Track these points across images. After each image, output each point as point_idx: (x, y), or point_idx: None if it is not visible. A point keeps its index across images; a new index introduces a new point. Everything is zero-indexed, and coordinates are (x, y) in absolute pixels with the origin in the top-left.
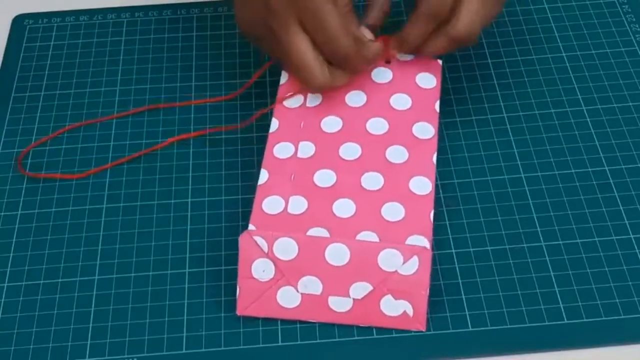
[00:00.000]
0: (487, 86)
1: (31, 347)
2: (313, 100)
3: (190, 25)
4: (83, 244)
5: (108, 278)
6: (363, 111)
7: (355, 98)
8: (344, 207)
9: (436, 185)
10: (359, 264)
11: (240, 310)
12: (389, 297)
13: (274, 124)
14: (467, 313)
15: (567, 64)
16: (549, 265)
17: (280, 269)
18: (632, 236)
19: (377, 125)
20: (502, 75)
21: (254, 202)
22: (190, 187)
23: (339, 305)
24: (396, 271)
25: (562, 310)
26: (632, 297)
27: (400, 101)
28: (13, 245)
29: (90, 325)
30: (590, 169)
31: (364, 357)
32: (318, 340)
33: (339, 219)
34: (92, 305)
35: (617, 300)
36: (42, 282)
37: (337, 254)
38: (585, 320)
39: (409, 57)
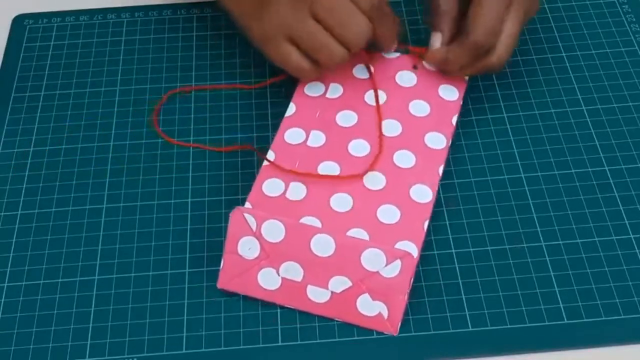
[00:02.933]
0: (487, 86)
1: (31, 347)
2: (334, 91)
3: (190, 25)
4: (83, 244)
5: (108, 278)
6: (381, 110)
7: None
8: (341, 202)
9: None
10: (342, 259)
11: (221, 284)
12: (366, 296)
13: (291, 108)
14: (467, 313)
15: (567, 64)
16: (549, 265)
17: (265, 250)
18: (632, 236)
19: (390, 127)
20: (502, 75)
21: (255, 180)
22: (190, 187)
23: (317, 295)
24: (377, 272)
25: (562, 310)
26: (632, 297)
27: (419, 108)
28: (13, 245)
29: (90, 325)
30: (590, 169)
31: (364, 357)
32: (318, 340)
33: (334, 213)
34: (92, 305)
35: (617, 300)
36: (42, 282)
37: (322, 245)
38: (585, 320)
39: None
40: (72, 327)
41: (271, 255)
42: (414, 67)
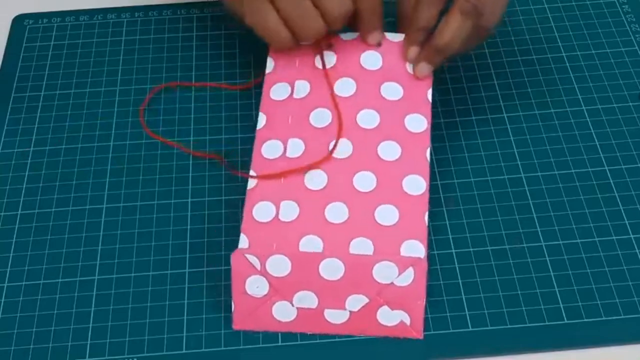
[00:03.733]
0: (487, 86)
1: (31, 347)
2: (301, 90)
3: (190, 25)
4: (83, 244)
5: (108, 278)
6: (353, 102)
7: (344, 86)
8: (336, 212)
9: (436, 185)
10: (354, 278)
11: (236, 325)
12: (385, 308)
13: (261, 119)
14: (467, 313)
15: (567, 64)
16: (549, 265)
17: (274, 286)
18: (632, 236)
19: (368, 118)
20: (502, 75)
21: (244, 208)
22: (190, 187)
23: (335, 317)
24: (392, 283)
25: (562, 310)
26: (632, 297)
27: (391, 90)
28: (13, 245)
29: (90, 325)
30: (590, 169)
31: (364, 357)
32: (318, 340)
33: (332, 226)
34: (92, 305)
35: (617, 300)
36: (42, 282)
37: (332, 269)
38: (585, 320)
39: (399, 38)
40: (72, 327)
41: (281, 289)
42: (378, 45)
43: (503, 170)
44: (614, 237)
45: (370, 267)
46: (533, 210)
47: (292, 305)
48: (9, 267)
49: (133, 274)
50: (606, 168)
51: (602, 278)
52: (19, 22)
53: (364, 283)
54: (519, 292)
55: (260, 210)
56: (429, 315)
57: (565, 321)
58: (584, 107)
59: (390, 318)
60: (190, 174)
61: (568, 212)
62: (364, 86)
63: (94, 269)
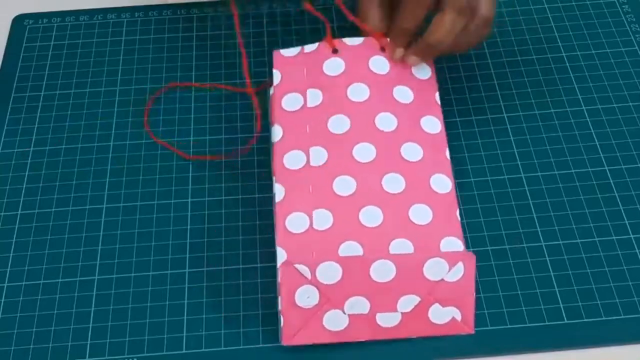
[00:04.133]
0: (487, 86)
1: (31, 347)
2: (313, 99)
3: (190, 25)
4: (83, 244)
5: (108, 278)
6: (368, 106)
7: (357, 92)
8: (370, 216)
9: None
10: (405, 278)
11: (286, 340)
12: (436, 306)
13: (277, 131)
14: None
15: (567, 64)
16: (549, 265)
17: (325, 294)
18: (632, 236)
19: (386, 121)
20: (502, 75)
21: (275, 221)
22: (190, 187)
23: (387, 320)
24: (442, 279)
25: (562, 310)
26: (632, 297)
27: (403, 94)
28: (13, 245)
29: (90, 325)
30: (590, 169)
31: (364, 358)
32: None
33: (368, 229)
34: (92, 305)
35: (617, 300)
36: (42, 282)
37: (383, 271)
38: (585, 320)
39: None
40: (72, 327)
41: (333, 297)
42: (382, 50)
43: (503, 170)
44: (614, 237)
45: (421, 265)
46: (533, 210)
47: (344, 313)
48: (9, 267)
49: (133, 274)
50: (606, 168)
51: (602, 278)
52: (19, 22)
53: (415, 282)
54: (519, 292)
55: (293, 222)
56: None
57: (565, 321)
58: (584, 107)
59: (441, 316)
60: (190, 174)
61: (568, 212)
62: (377, 90)
63: (94, 269)
